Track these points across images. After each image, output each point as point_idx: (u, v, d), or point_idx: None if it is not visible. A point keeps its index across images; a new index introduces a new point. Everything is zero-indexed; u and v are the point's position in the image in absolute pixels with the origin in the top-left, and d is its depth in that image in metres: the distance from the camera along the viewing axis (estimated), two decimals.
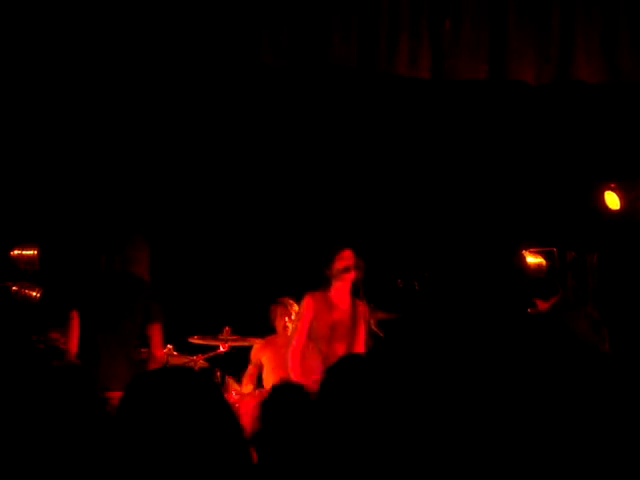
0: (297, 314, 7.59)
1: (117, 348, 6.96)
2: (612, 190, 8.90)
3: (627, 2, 7.55)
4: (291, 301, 8.21)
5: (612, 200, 8.91)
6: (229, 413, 2.64)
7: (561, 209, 9.15)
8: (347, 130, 9.19)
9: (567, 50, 7.57)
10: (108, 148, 9.03)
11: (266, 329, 8.29)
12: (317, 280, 7.30)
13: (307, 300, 7.16)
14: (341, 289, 7.14)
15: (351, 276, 7.08)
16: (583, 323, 7.77)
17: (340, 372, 2.76)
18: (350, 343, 6.99)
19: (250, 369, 8.34)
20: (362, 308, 7.18)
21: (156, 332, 7.11)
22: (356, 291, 7.10)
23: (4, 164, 8.45)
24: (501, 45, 7.59)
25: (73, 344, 6.89)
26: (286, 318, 8.13)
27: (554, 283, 8.14)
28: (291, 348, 7.24)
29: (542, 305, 7.96)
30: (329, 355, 7.03)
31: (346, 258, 7.13)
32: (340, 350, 7.04)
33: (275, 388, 4.10)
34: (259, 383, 8.29)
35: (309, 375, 6.98)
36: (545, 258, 9.16)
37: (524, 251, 9.19)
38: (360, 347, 7.10)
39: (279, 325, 8.23)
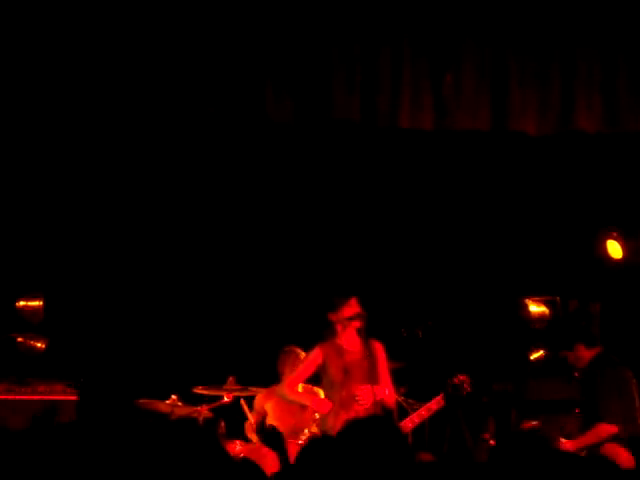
0: (303, 359, 7.67)
1: None
2: (614, 239, 8.95)
3: (626, 52, 7.63)
4: (299, 350, 8.23)
5: (614, 249, 8.96)
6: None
7: (564, 258, 9.18)
8: (351, 181, 9.24)
9: (567, 101, 7.63)
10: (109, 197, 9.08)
11: (270, 377, 8.30)
12: (322, 327, 7.35)
13: (316, 349, 7.30)
14: (348, 334, 7.24)
15: (357, 324, 7.18)
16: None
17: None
18: (371, 383, 7.01)
19: (253, 417, 8.34)
20: (378, 346, 7.27)
21: None
22: (365, 334, 7.17)
23: None
24: (502, 96, 7.64)
25: None
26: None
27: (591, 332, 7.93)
28: (286, 381, 7.48)
29: (584, 352, 7.40)
30: (348, 398, 7.09)
31: (353, 306, 7.22)
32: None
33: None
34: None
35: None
36: (548, 307, 9.17)
37: (527, 299, 9.20)
38: (386, 384, 7.16)
39: (287, 373, 8.23)
